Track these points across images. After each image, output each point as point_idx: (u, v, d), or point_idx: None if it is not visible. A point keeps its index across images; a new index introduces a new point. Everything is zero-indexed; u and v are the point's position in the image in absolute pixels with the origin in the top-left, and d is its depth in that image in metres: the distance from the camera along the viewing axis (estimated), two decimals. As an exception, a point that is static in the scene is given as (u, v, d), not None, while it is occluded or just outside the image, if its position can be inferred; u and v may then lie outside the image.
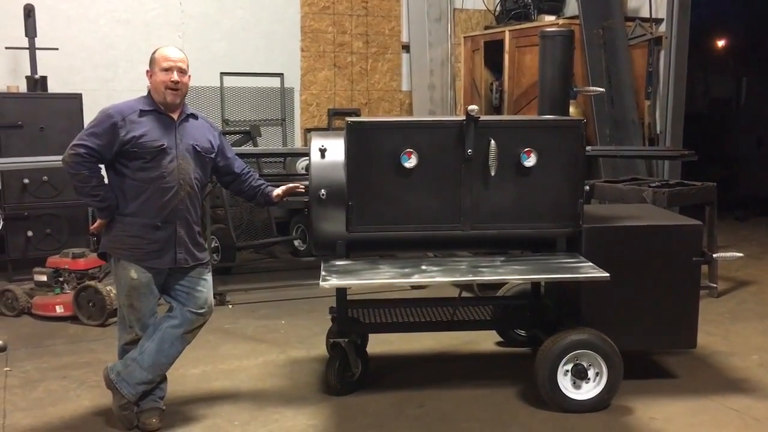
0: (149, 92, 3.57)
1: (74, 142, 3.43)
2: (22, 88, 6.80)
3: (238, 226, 7.29)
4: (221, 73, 7.91)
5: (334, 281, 3.60)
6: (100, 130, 3.43)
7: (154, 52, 3.54)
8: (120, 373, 3.58)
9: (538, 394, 3.87)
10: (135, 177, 3.42)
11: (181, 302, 3.61)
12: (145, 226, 3.47)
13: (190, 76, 3.59)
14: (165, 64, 3.48)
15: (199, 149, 3.59)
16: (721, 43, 14.28)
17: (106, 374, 3.65)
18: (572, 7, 7.89)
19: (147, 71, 3.54)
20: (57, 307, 5.50)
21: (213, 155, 3.69)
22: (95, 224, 3.61)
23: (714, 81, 13.70)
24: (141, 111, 3.49)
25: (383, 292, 5.27)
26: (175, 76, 3.48)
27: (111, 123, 3.42)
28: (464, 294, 4.90)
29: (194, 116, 3.66)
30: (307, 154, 3.97)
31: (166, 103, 3.51)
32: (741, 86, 12.31)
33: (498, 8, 8.58)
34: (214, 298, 5.23)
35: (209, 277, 3.72)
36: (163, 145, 3.46)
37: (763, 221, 9.56)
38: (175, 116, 3.55)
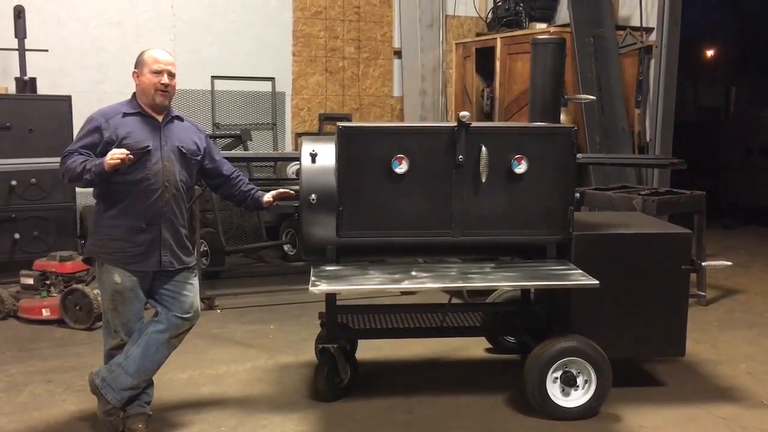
0: (134, 95, 3.55)
1: (63, 152, 3.44)
2: (11, 89, 6.76)
3: (228, 230, 7.26)
4: (212, 76, 7.89)
5: (323, 286, 3.58)
6: (84, 133, 3.44)
7: (142, 54, 3.52)
8: (105, 378, 3.55)
9: (527, 402, 3.87)
10: (119, 179, 3.38)
11: (166, 307, 3.58)
12: (130, 228, 3.44)
13: None
14: (155, 67, 3.46)
15: (184, 151, 3.57)
16: (710, 53, 14.40)
17: (91, 379, 3.61)
18: (563, 15, 7.93)
19: (134, 72, 3.52)
20: (43, 311, 5.45)
21: (199, 157, 3.67)
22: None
23: (703, 90, 13.81)
24: (125, 113, 3.47)
25: (373, 298, 5.25)
26: (166, 79, 3.47)
27: (94, 126, 3.42)
28: (454, 300, 4.90)
29: (179, 118, 3.64)
30: (298, 159, 3.96)
31: (155, 104, 3.49)
32: (730, 95, 12.41)
33: (490, 15, 8.62)
34: (203, 302, 5.23)
35: (195, 281, 3.69)
36: (148, 146, 3.43)
37: (752, 230, 9.63)
38: (159, 118, 3.53)
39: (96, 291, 5.18)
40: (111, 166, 3.25)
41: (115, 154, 3.25)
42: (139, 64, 3.50)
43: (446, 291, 4.36)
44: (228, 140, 7.67)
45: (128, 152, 3.29)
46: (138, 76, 3.50)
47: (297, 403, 4.04)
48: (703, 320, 5.59)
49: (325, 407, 3.98)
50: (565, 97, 4.58)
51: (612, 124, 7.19)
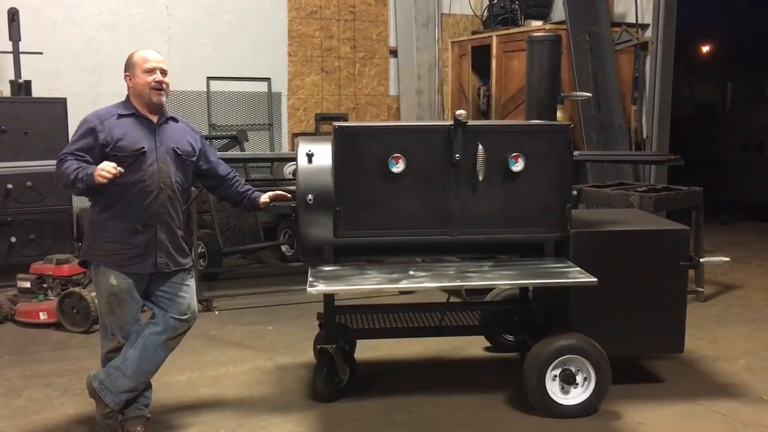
0: (127, 97, 3.54)
1: (59, 156, 3.42)
2: (6, 92, 6.74)
3: (225, 232, 7.25)
4: (208, 77, 7.86)
5: (321, 287, 3.58)
6: (79, 135, 3.43)
7: (131, 56, 3.51)
8: (103, 381, 3.54)
9: (527, 400, 3.86)
10: (115, 181, 3.36)
11: (163, 308, 3.57)
12: (126, 230, 3.43)
13: None
14: (147, 66, 3.45)
15: (179, 152, 3.56)
16: (706, 49, 14.42)
17: (89, 383, 3.60)
18: (559, 12, 7.92)
19: (126, 75, 3.51)
20: (41, 314, 5.44)
21: (194, 158, 3.66)
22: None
23: (700, 86, 13.81)
24: (119, 115, 3.47)
25: (371, 298, 5.25)
26: (159, 76, 3.47)
27: (89, 128, 3.41)
28: (452, 299, 4.89)
29: (174, 119, 3.64)
30: (295, 159, 3.95)
31: (152, 104, 3.49)
32: (726, 91, 12.41)
33: (485, 13, 8.61)
34: (201, 304, 5.23)
35: (192, 282, 3.68)
36: (143, 147, 3.43)
37: (749, 225, 9.63)
38: (154, 119, 3.52)
39: (93, 294, 5.16)
40: (99, 182, 3.24)
41: (105, 169, 3.24)
42: (130, 66, 3.49)
43: (444, 290, 4.36)
44: (224, 141, 7.66)
45: (119, 168, 3.27)
46: (130, 79, 3.49)
47: (296, 404, 4.04)
48: (701, 316, 5.59)
49: (324, 408, 3.98)
50: (562, 94, 4.56)
51: (608, 121, 7.19)
